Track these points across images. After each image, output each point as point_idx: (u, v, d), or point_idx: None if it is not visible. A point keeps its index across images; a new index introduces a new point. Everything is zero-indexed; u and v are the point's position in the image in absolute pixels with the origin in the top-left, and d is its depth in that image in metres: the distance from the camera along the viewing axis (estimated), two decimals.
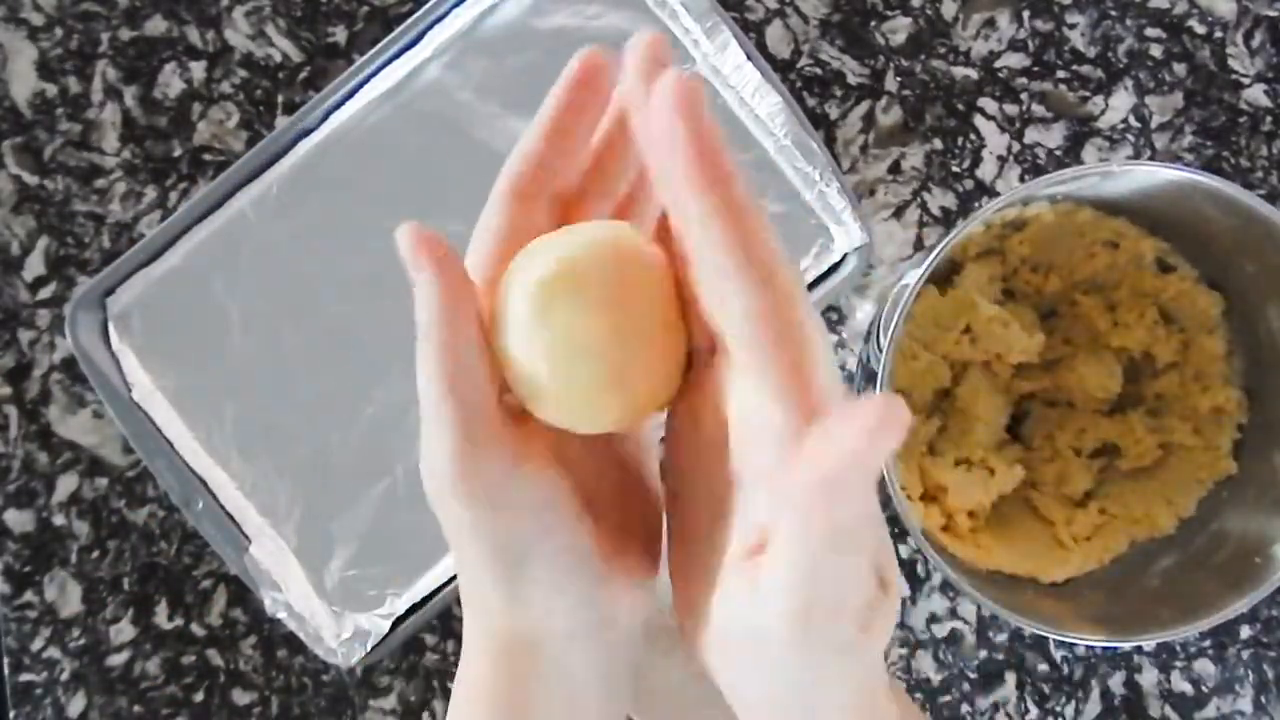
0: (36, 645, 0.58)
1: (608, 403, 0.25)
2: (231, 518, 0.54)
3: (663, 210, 0.27)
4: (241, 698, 0.58)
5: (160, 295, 0.55)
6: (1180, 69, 0.61)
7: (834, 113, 0.60)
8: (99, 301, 0.55)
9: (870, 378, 0.49)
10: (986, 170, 0.60)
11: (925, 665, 0.59)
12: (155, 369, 0.55)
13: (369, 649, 0.53)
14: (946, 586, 0.59)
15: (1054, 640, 0.59)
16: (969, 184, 0.60)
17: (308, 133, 0.56)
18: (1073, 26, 0.61)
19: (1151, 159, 0.60)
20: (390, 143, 0.55)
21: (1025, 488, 0.57)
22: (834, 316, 0.60)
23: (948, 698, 0.59)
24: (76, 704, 0.58)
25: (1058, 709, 0.59)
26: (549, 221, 0.28)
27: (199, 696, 0.58)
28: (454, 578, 0.53)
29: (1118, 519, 0.56)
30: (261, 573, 0.54)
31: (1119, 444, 0.57)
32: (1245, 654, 0.59)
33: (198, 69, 0.60)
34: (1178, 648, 0.59)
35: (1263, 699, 0.59)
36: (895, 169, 0.60)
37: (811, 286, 0.56)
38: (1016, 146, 0.60)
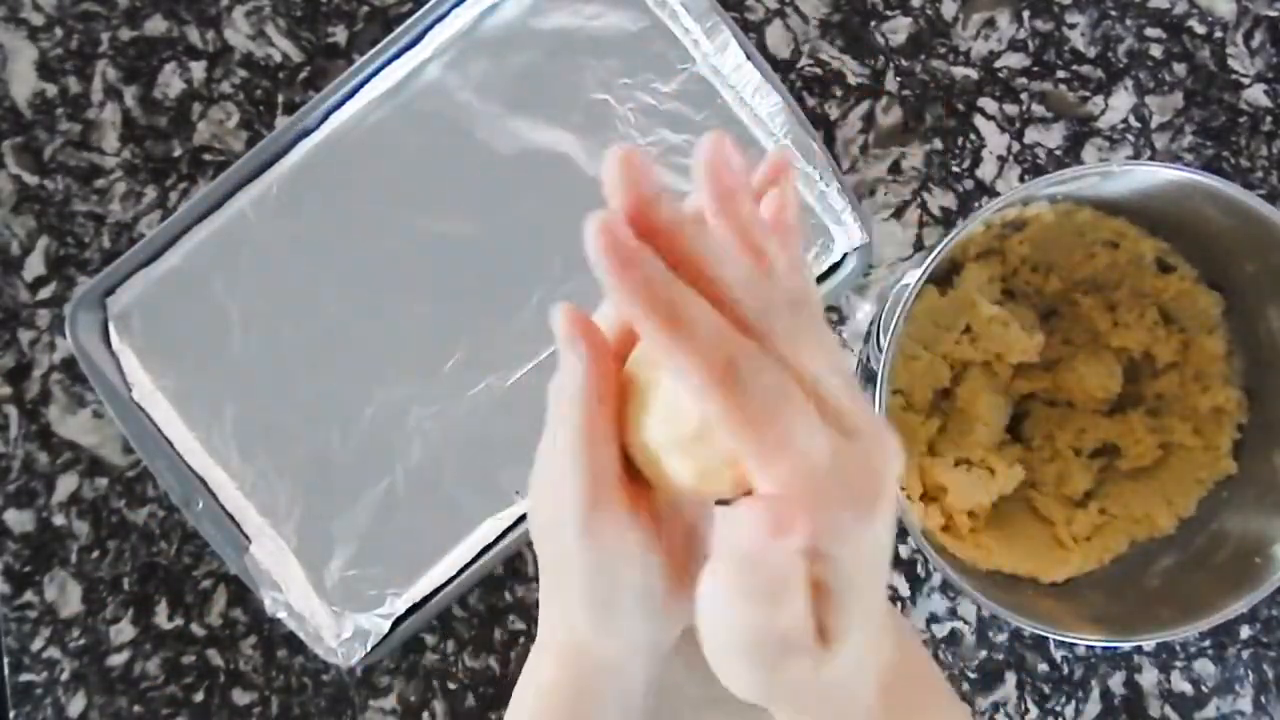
0: (36, 645, 0.58)
1: (723, 475, 0.29)
2: (231, 518, 0.54)
3: None
4: (241, 698, 0.58)
5: (160, 295, 0.55)
6: (1180, 69, 0.61)
7: (834, 113, 0.60)
8: (99, 301, 0.55)
9: (870, 378, 0.49)
10: (986, 170, 0.60)
11: None
12: (155, 369, 0.55)
13: (369, 649, 0.53)
14: (946, 586, 0.59)
15: (1054, 640, 0.59)
16: (969, 184, 0.60)
17: (308, 133, 0.56)
18: (1073, 26, 0.61)
19: (1151, 159, 0.60)
20: (390, 143, 0.55)
21: (1025, 488, 0.57)
22: (834, 316, 0.60)
23: None
24: (76, 704, 0.58)
25: (1058, 709, 0.59)
26: None
27: (199, 696, 0.58)
28: (453, 578, 0.54)
29: (1118, 519, 0.56)
30: (261, 573, 0.54)
31: (1119, 444, 0.57)
32: (1245, 654, 0.59)
33: (198, 69, 0.60)
34: (1178, 648, 0.59)
35: (1263, 699, 0.59)
36: (895, 169, 0.60)
37: None
38: (1016, 146, 0.60)
